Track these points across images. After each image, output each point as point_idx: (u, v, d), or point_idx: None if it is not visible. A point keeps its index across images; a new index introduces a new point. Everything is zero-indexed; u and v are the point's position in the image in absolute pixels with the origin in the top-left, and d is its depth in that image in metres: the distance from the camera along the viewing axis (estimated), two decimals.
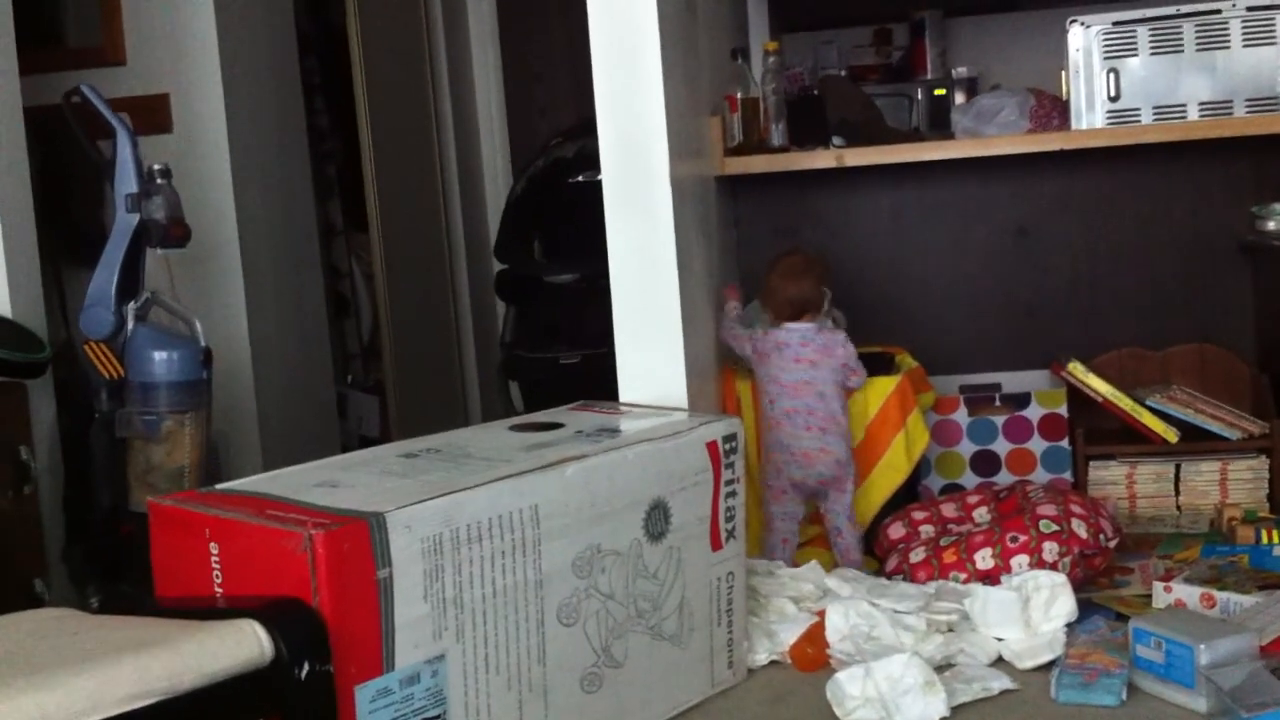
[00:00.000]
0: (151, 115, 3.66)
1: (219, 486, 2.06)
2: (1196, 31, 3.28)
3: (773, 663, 2.53)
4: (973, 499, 3.09)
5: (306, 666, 1.69)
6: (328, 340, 4.45)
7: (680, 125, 2.87)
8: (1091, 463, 3.39)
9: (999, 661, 2.44)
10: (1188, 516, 3.29)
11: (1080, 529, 2.75)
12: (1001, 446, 3.50)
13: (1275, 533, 2.94)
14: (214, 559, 1.85)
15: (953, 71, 5.33)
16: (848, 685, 2.25)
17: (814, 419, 3.01)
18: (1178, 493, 3.34)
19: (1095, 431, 3.42)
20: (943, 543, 2.85)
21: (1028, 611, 2.51)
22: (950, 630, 2.52)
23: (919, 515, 3.05)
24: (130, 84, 3.72)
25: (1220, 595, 2.55)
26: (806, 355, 3.03)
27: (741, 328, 3.17)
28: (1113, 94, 3.30)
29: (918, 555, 2.84)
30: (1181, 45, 3.28)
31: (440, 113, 5.02)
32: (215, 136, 3.75)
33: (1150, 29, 3.29)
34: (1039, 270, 3.67)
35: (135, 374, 2.81)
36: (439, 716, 1.89)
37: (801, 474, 3.03)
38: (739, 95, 3.45)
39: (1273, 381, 3.37)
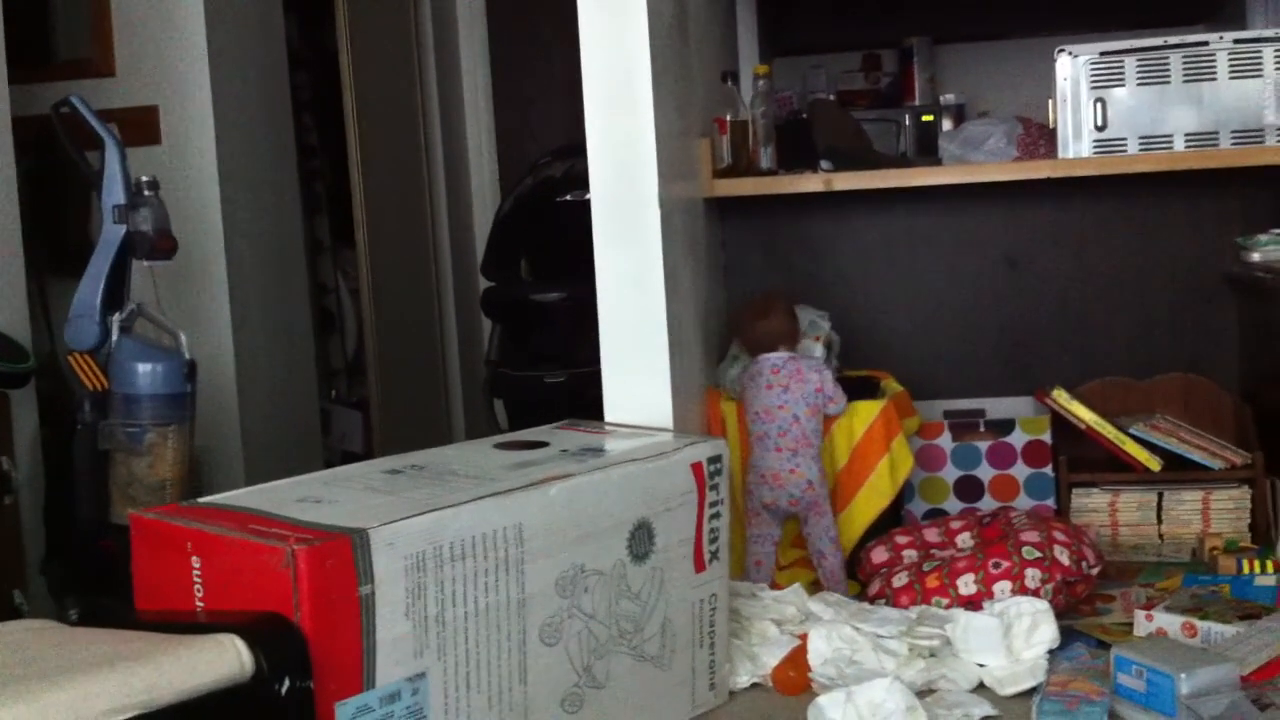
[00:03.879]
0: (140, 127, 3.66)
1: (201, 500, 2.05)
2: (1184, 63, 3.30)
3: (754, 685, 2.52)
4: (956, 524, 3.09)
5: (287, 682, 1.68)
6: (312, 355, 4.44)
7: (670, 147, 2.88)
8: (1074, 490, 3.39)
9: (980, 688, 2.44)
10: (1170, 545, 3.30)
11: (1063, 556, 2.75)
12: (985, 472, 3.51)
13: (1257, 563, 2.94)
14: (195, 573, 1.84)
15: (941, 98, 5.36)
16: (829, 709, 2.25)
17: (784, 440, 3.02)
18: (1160, 521, 3.34)
19: (1079, 459, 3.42)
20: (925, 568, 2.85)
21: (1010, 638, 2.51)
22: (932, 656, 2.52)
23: (902, 540, 3.05)
24: (120, 96, 3.72)
25: (1202, 624, 2.55)
26: (778, 381, 3.06)
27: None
28: (1100, 123, 3.32)
29: (900, 580, 2.84)
30: (1168, 76, 3.31)
31: (429, 130, 5.02)
32: (204, 149, 3.75)
33: (1138, 59, 3.31)
34: (1025, 297, 3.68)
35: (119, 386, 2.79)
36: None
37: (772, 496, 3.04)
38: (728, 118, 3.46)
39: (1256, 412, 3.39)
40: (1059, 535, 2.81)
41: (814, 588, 2.97)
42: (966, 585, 2.74)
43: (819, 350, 3.30)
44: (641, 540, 2.22)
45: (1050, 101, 3.43)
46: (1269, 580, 2.85)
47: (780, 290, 3.34)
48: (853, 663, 2.46)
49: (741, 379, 3.16)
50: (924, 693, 2.37)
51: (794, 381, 3.05)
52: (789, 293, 3.46)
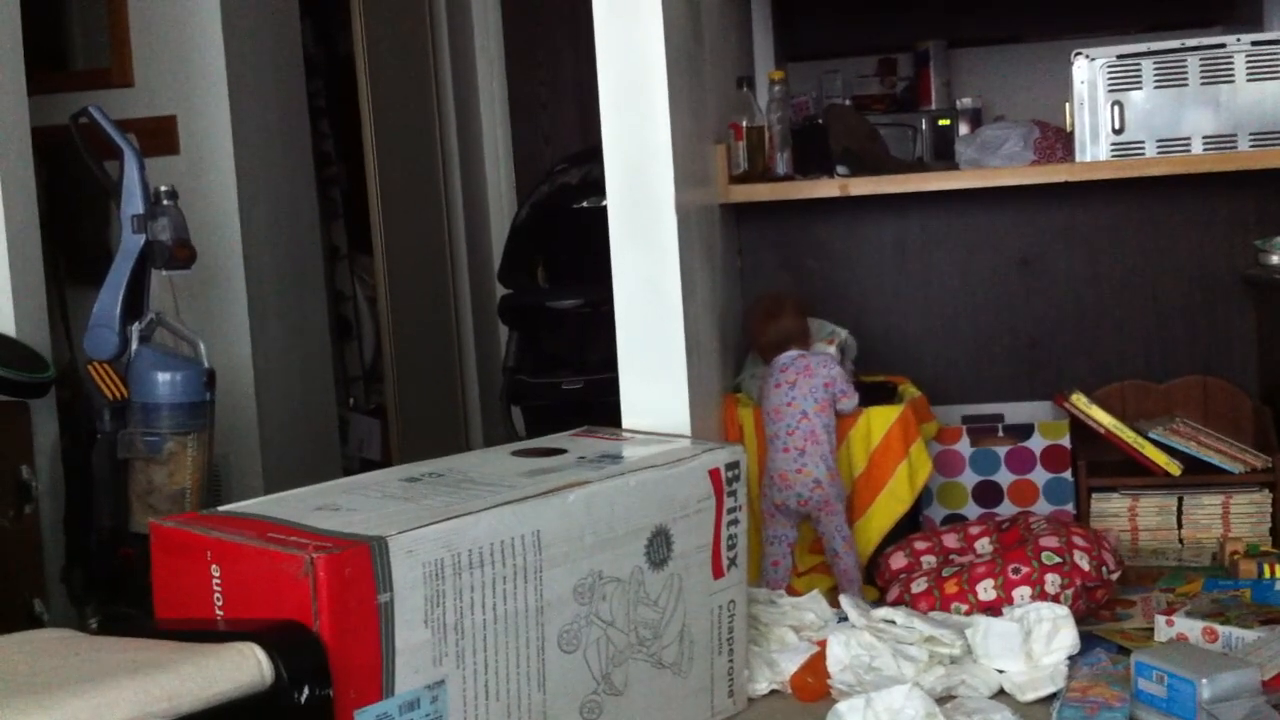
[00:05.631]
0: (158, 137, 3.68)
1: (221, 509, 2.05)
2: (1201, 65, 3.29)
3: (773, 692, 2.52)
4: (975, 530, 3.09)
5: (306, 691, 1.69)
6: (330, 363, 4.46)
7: (686, 153, 2.88)
8: (1094, 495, 3.38)
9: (1000, 693, 2.44)
10: (1190, 550, 3.28)
11: (1082, 561, 2.74)
12: (1004, 477, 3.50)
13: (1278, 567, 2.93)
14: (215, 581, 1.84)
15: (957, 102, 5.35)
16: (848, 716, 2.25)
17: (792, 439, 3.02)
18: (1180, 526, 3.33)
19: (1098, 463, 3.41)
20: (945, 573, 2.84)
21: (1029, 643, 2.50)
22: (952, 661, 2.51)
23: (921, 545, 3.05)
24: (138, 106, 3.74)
25: (1222, 629, 2.54)
26: (785, 379, 3.06)
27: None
28: (1117, 126, 3.31)
29: (919, 585, 2.83)
30: (1186, 79, 3.29)
31: (445, 137, 5.03)
32: (222, 159, 3.77)
33: (1155, 62, 3.30)
34: (1042, 301, 3.68)
35: (138, 395, 2.80)
36: None
37: (781, 496, 3.03)
38: (744, 124, 3.47)
39: (1275, 415, 3.37)
40: (1078, 540, 2.80)
41: (832, 594, 2.96)
42: (986, 591, 2.73)
43: (831, 351, 3.29)
44: (659, 547, 2.22)
45: (1067, 105, 3.42)
46: None
47: (788, 289, 3.33)
48: (872, 669, 2.46)
49: (759, 381, 3.15)
50: (944, 699, 2.36)
51: (801, 378, 3.05)
52: (807, 297, 3.46)
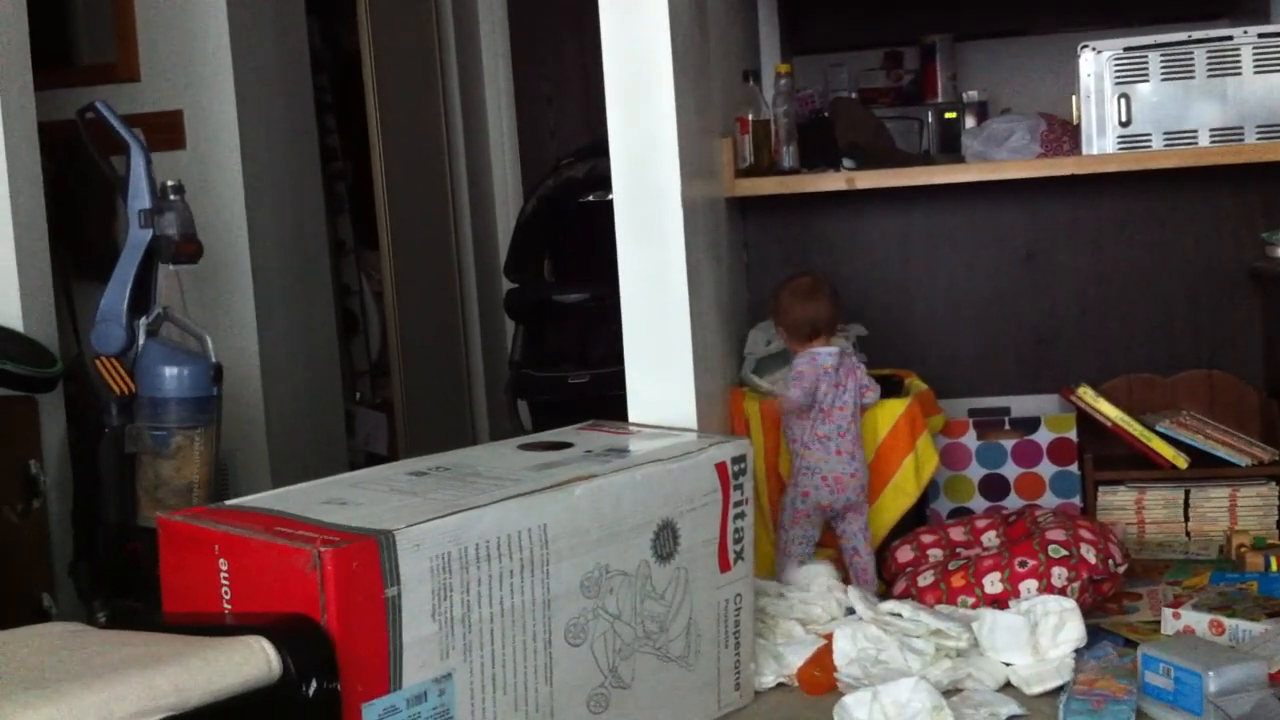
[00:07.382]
0: (165, 132, 3.68)
1: (228, 503, 2.06)
2: (1208, 58, 3.28)
3: (780, 685, 2.52)
4: (981, 523, 3.09)
5: (314, 684, 1.69)
6: (337, 357, 4.46)
7: (691, 147, 2.88)
8: (1100, 488, 3.38)
9: (1007, 687, 2.44)
10: (1197, 543, 3.28)
11: (1089, 554, 2.74)
12: (1010, 471, 3.49)
13: None
14: (223, 575, 1.85)
15: (963, 95, 5.34)
16: (855, 709, 2.25)
17: (844, 442, 2.98)
18: (1187, 519, 3.33)
19: (1104, 457, 3.41)
20: (951, 566, 2.84)
21: (1036, 637, 2.50)
22: (959, 655, 2.51)
23: (927, 539, 3.05)
24: (144, 101, 3.74)
25: (1229, 622, 2.54)
26: (839, 378, 3.01)
27: (792, 379, 3.01)
28: (1124, 119, 3.30)
29: (926, 579, 2.83)
30: (1193, 71, 3.29)
31: (451, 132, 5.03)
32: (228, 153, 3.77)
33: (1162, 55, 3.30)
34: (1049, 295, 3.67)
35: (145, 389, 2.81)
36: None
37: (830, 498, 2.99)
38: (750, 117, 3.46)
39: None
40: (1085, 533, 2.80)
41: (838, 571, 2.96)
42: (992, 584, 2.73)
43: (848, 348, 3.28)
44: (666, 540, 2.22)
45: (1074, 97, 3.41)
46: None
47: (824, 273, 3.28)
48: (878, 662, 2.46)
49: (787, 374, 3.04)
50: (950, 692, 2.37)
51: (849, 379, 3.01)
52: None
